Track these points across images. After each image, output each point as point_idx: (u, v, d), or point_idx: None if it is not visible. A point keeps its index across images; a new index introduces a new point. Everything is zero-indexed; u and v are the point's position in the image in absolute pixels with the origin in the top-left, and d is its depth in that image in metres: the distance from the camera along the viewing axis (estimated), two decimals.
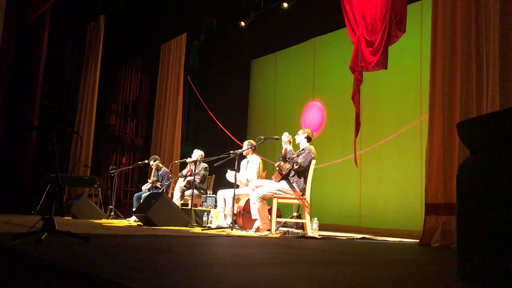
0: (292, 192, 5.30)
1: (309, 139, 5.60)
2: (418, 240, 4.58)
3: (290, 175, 5.38)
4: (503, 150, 1.73)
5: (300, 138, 5.60)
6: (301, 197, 5.31)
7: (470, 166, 1.86)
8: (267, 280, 1.69)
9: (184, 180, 7.38)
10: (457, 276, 1.78)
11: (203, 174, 7.18)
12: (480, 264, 1.69)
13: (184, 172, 7.41)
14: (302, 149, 5.51)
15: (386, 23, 5.63)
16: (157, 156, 8.42)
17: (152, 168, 8.25)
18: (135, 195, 8.11)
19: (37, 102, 8.89)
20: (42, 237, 2.66)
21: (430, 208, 4.44)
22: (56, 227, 2.82)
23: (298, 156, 5.38)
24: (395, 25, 5.62)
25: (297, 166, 5.25)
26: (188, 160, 7.34)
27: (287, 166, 5.37)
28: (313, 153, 5.37)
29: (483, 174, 1.78)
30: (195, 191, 6.97)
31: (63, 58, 10.13)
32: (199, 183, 7.10)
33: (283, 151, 5.50)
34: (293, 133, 5.76)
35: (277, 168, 5.44)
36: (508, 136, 1.73)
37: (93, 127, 9.75)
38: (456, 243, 1.83)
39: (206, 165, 7.30)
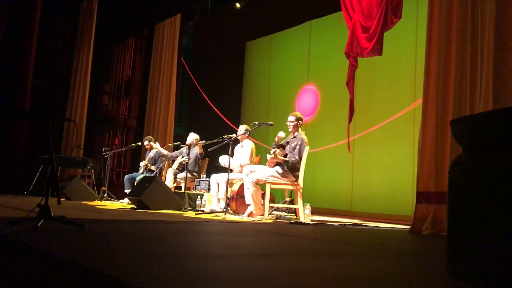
0: (285, 178, 5.34)
1: (299, 123, 5.58)
2: (409, 227, 4.65)
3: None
4: (495, 149, 1.77)
5: (290, 126, 5.58)
6: (294, 183, 5.36)
7: (462, 163, 1.89)
8: (262, 274, 1.72)
9: (176, 163, 7.40)
10: (447, 271, 1.83)
11: (199, 155, 7.20)
12: (470, 260, 1.74)
13: (180, 160, 7.38)
14: (294, 137, 5.52)
15: (382, 9, 5.61)
16: (151, 137, 8.42)
17: (146, 149, 8.27)
18: (126, 176, 8.12)
19: (29, 82, 8.81)
20: (38, 224, 2.68)
21: (421, 197, 4.51)
22: (52, 214, 2.84)
23: (287, 143, 5.42)
24: (391, 11, 5.59)
25: (295, 162, 5.28)
26: (182, 154, 7.34)
27: (282, 152, 5.39)
28: (305, 142, 5.39)
29: (475, 172, 1.81)
30: (188, 174, 7.00)
31: (56, 38, 9.99)
32: (193, 165, 7.13)
33: (276, 139, 5.49)
34: (287, 116, 5.73)
35: (273, 155, 5.43)
36: (500, 135, 1.76)
37: (86, 108, 9.69)
38: (447, 240, 1.88)
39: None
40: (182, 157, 7.27)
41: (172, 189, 6.84)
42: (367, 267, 2.08)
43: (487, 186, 1.74)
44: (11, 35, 8.70)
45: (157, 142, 8.17)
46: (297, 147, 5.37)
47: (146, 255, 2.04)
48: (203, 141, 7.01)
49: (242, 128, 6.44)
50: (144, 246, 2.40)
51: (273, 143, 5.56)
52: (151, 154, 8.06)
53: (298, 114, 5.68)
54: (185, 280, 1.51)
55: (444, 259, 1.86)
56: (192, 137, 7.26)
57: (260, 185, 5.41)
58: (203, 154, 7.25)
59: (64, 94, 9.87)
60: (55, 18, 9.88)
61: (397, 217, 6.94)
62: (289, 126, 5.58)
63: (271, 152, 5.42)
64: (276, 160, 5.38)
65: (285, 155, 5.39)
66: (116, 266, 1.70)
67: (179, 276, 1.58)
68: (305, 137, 5.47)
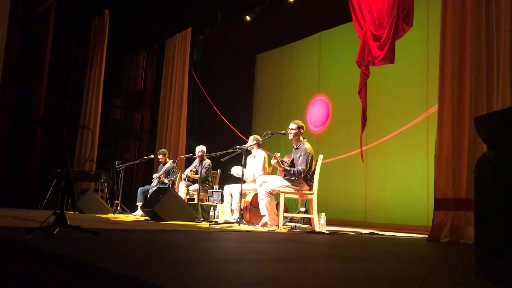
0: (299, 187, 5.29)
1: (301, 131, 5.52)
2: (426, 235, 4.57)
3: None
4: None
5: (291, 134, 5.50)
6: (308, 192, 5.30)
7: (489, 161, 1.84)
8: (285, 276, 1.68)
9: (186, 179, 7.42)
10: (475, 273, 1.77)
11: (205, 174, 7.19)
12: (500, 261, 1.68)
13: (187, 173, 7.41)
14: (297, 148, 5.47)
15: (393, 17, 5.60)
16: (165, 150, 8.44)
17: (160, 162, 8.28)
18: (139, 188, 8.12)
19: (43, 97, 8.89)
20: (54, 232, 2.66)
21: (439, 204, 4.42)
22: (68, 222, 2.82)
23: (293, 154, 5.37)
24: (402, 19, 5.57)
25: (303, 174, 5.22)
26: (192, 165, 7.38)
27: (286, 159, 5.36)
28: (309, 152, 5.32)
29: (503, 169, 1.76)
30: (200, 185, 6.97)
31: (68, 53, 10.11)
32: (203, 182, 7.12)
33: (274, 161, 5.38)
34: None
35: (275, 162, 5.35)
36: None
37: (99, 122, 9.76)
38: (474, 240, 1.82)
39: (209, 161, 7.32)
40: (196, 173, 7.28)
41: (185, 201, 6.81)
42: (392, 270, 2.03)
43: None
44: (26, 51, 8.80)
45: (169, 161, 8.09)
46: (301, 157, 5.31)
47: (165, 259, 2.01)
48: (198, 160, 7.13)
49: (251, 139, 6.44)
50: (162, 252, 2.36)
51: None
52: (168, 165, 7.98)
53: (300, 122, 5.58)
54: (209, 281, 1.47)
55: (470, 262, 1.81)
56: (198, 149, 7.34)
57: (274, 195, 5.36)
58: (207, 175, 7.28)
59: (77, 109, 9.95)
60: (67, 34, 10.01)
61: (412, 227, 6.83)
62: (290, 133, 5.51)
63: (272, 160, 5.38)
64: (280, 168, 5.35)
65: (292, 161, 5.34)
66: (136, 268, 1.67)
67: (203, 278, 1.54)
68: (307, 146, 5.39)
